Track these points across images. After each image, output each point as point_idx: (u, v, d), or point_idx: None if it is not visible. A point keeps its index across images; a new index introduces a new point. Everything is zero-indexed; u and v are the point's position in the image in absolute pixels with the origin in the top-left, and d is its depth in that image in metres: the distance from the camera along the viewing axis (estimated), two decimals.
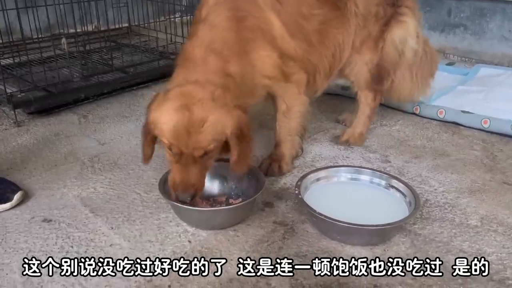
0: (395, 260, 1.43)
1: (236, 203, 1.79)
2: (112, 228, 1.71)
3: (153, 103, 1.63)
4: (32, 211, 1.82)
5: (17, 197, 1.82)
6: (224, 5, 1.78)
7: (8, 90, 2.64)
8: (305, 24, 1.95)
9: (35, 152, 2.31)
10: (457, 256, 1.54)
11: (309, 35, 1.98)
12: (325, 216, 1.56)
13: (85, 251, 1.59)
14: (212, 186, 1.87)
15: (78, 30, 3.58)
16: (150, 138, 1.66)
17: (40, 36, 3.06)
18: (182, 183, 1.58)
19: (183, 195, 1.58)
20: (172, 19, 3.87)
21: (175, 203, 1.65)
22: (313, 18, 1.97)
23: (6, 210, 1.80)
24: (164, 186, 1.73)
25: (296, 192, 1.72)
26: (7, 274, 1.48)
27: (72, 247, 1.61)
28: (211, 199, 1.86)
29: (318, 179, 1.85)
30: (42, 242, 1.64)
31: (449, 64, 3.57)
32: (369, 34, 2.15)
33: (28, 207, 1.85)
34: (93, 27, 3.97)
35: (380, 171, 1.90)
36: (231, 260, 1.54)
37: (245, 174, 1.76)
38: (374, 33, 2.15)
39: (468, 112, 2.57)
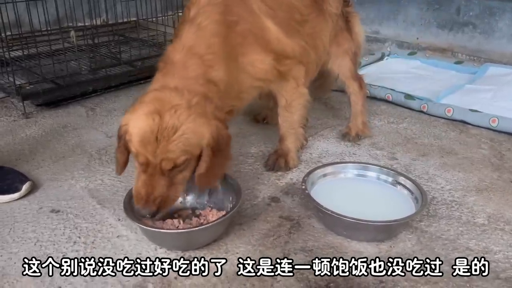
0: (400, 257, 1.44)
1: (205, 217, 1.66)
2: (119, 219, 1.72)
3: (132, 105, 1.51)
4: (40, 201, 1.83)
5: (25, 187, 1.83)
6: (215, 7, 1.67)
7: (17, 82, 2.66)
8: (299, 28, 1.95)
9: (43, 143, 2.33)
10: (463, 255, 1.54)
11: (304, 37, 1.98)
12: (332, 212, 1.56)
13: (93, 242, 1.60)
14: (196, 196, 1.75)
15: (87, 24, 3.59)
16: (123, 144, 1.51)
17: (48, 28, 3.07)
18: (144, 196, 1.43)
19: (143, 210, 1.44)
20: (180, 14, 3.87)
21: (140, 225, 1.51)
22: (305, 24, 1.97)
23: (14, 200, 1.82)
24: (130, 202, 1.57)
25: (303, 187, 1.72)
26: (15, 263, 1.50)
27: (79, 237, 1.62)
28: (176, 214, 1.69)
29: (325, 175, 1.85)
30: (50, 232, 1.65)
31: (457, 62, 3.55)
32: (341, 28, 2.27)
33: (36, 197, 1.86)
34: (102, 20, 3.98)
35: (387, 168, 1.89)
36: (237, 253, 1.55)
37: (208, 189, 1.68)
38: (343, 27, 2.28)
39: (476, 111, 2.55)
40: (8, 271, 1.46)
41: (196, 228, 1.55)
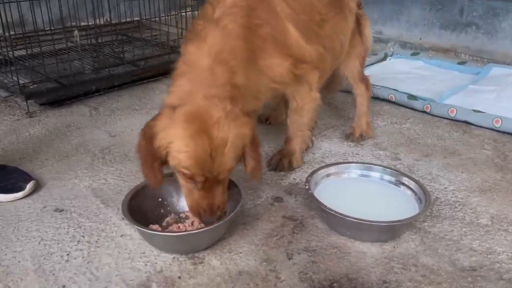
0: (404, 258, 1.44)
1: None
2: (123, 219, 1.72)
3: (159, 121, 1.46)
4: (44, 200, 1.84)
5: (29, 186, 1.84)
6: (241, 10, 1.65)
7: (21, 81, 2.66)
8: (319, 31, 1.94)
9: (47, 142, 2.34)
10: (467, 255, 1.54)
11: (323, 40, 1.97)
12: (335, 212, 1.56)
13: (96, 241, 1.60)
14: (178, 200, 1.73)
15: (90, 23, 3.59)
16: (158, 164, 1.49)
17: (52, 28, 3.08)
18: (208, 208, 1.50)
19: (211, 218, 1.50)
20: (183, 14, 3.87)
21: (138, 227, 1.50)
22: (324, 25, 1.97)
23: (18, 199, 1.82)
24: (128, 206, 1.56)
25: (306, 187, 1.72)
26: (19, 261, 1.50)
27: (83, 236, 1.62)
28: (180, 215, 1.71)
29: (328, 175, 1.85)
30: (54, 231, 1.65)
31: (460, 63, 3.55)
32: (354, 30, 2.26)
33: (40, 196, 1.87)
34: (105, 20, 3.99)
35: (390, 168, 1.89)
36: (241, 253, 1.55)
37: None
38: (356, 30, 2.28)
39: (479, 112, 2.55)
40: (12, 269, 1.46)
41: (195, 231, 1.52)
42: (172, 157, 1.45)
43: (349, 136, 2.39)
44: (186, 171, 1.44)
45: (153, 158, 1.47)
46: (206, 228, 1.51)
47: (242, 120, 1.50)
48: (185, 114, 1.43)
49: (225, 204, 1.56)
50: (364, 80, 2.41)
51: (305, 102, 1.99)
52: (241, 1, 1.67)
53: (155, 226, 1.60)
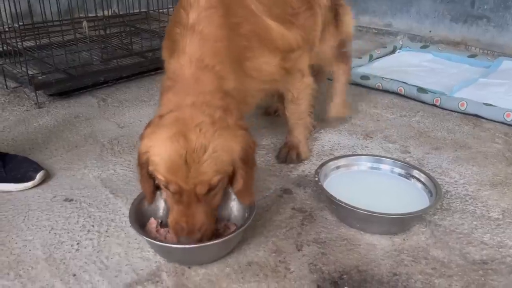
0: (414, 250, 1.43)
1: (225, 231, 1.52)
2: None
3: (146, 129, 1.40)
4: (54, 190, 1.84)
5: (39, 176, 1.85)
6: (216, 10, 1.53)
7: (30, 72, 2.67)
8: (294, 21, 1.89)
9: (56, 133, 2.34)
10: (478, 249, 1.53)
11: (300, 29, 1.92)
12: (345, 204, 1.55)
13: (106, 231, 1.60)
14: None
15: (99, 14, 3.59)
16: (146, 172, 1.40)
17: (60, 19, 3.07)
18: (186, 227, 1.34)
19: (189, 240, 1.35)
20: None
21: (151, 241, 1.41)
22: (298, 17, 1.91)
23: (28, 189, 1.83)
24: (136, 214, 1.49)
25: (316, 179, 1.71)
26: (30, 250, 1.51)
27: (93, 226, 1.63)
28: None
29: (338, 167, 1.84)
30: (64, 220, 1.66)
31: (471, 56, 3.50)
32: (329, 20, 2.23)
33: (50, 186, 1.87)
34: (112, 11, 3.98)
35: (401, 161, 1.88)
36: (250, 244, 1.55)
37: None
38: (332, 19, 2.25)
39: (490, 105, 2.52)
40: (23, 258, 1.47)
41: (203, 244, 1.38)
42: (151, 161, 1.35)
43: (324, 120, 2.39)
44: (160, 177, 1.33)
45: (141, 167, 1.41)
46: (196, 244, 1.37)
47: (234, 132, 1.37)
48: (169, 118, 1.35)
49: (208, 228, 1.38)
50: (343, 59, 2.38)
51: (300, 91, 1.97)
52: (215, 1, 1.54)
53: (154, 222, 1.53)
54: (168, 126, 1.33)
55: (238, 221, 1.56)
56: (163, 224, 1.55)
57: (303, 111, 2.04)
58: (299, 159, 2.07)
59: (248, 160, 1.42)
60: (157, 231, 1.52)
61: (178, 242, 1.38)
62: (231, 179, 1.44)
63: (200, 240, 1.36)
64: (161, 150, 1.31)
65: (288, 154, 2.07)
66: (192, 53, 1.47)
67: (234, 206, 1.60)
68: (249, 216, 1.47)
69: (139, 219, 1.50)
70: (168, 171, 1.30)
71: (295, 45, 1.82)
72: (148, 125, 1.41)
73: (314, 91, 2.04)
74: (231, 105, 1.45)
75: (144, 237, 1.41)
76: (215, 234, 1.47)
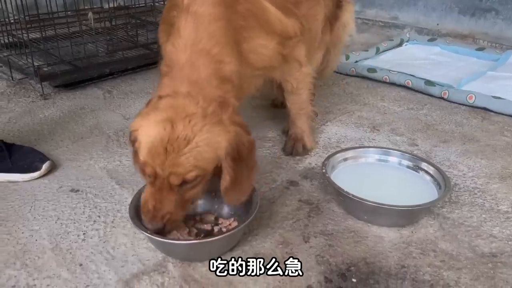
0: (422, 243, 1.42)
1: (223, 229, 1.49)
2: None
3: (144, 108, 1.38)
4: (60, 180, 1.84)
5: (45, 166, 1.84)
6: None
7: (35, 64, 2.66)
8: (295, 10, 1.82)
9: (62, 124, 2.34)
10: (487, 242, 1.51)
11: (300, 19, 1.84)
12: (353, 195, 1.54)
13: (112, 221, 1.60)
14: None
15: (104, 6, 3.57)
16: (136, 151, 1.38)
17: (66, 10, 3.06)
18: (151, 211, 1.31)
19: (150, 225, 1.32)
20: None
21: (145, 233, 1.35)
22: (300, 6, 1.84)
23: (35, 179, 1.83)
24: (135, 209, 1.44)
25: (323, 170, 1.70)
26: (36, 240, 1.51)
27: (99, 216, 1.63)
28: (197, 217, 1.56)
29: (345, 159, 1.82)
30: (70, 211, 1.66)
31: (479, 49, 3.47)
32: (328, 17, 2.13)
33: (56, 177, 1.87)
34: (117, 3, 3.97)
35: (409, 153, 1.86)
36: (256, 235, 1.54)
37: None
38: (330, 15, 2.16)
39: (499, 98, 2.50)
40: (29, 247, 1.47)
41: (204, 241, 1.39)
42: (138, 140, 1.33)
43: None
44: (140, 158, 1.30)
45: (133, 144, 1.38)
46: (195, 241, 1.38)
47: (226, 128, 1.31)
48: (164, 103, 1.32)
49: (173, 219, 1.34)
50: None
51: (300, 80, 1.90)
52: None
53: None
54: (161, 110, 1.30)
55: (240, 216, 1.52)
56: None
57: (304, 100, 1.99)
58: (305, 151, 2.04)
59: (238, 158, 1.34)
60: None
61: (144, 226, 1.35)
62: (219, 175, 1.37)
63: (162, 229, 1.32)
64: (147, 132, 1.29)
65: (293, 147, 2.04)
66: (187, 36, 1.41)
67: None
68: (252, 211, 1.43)
69: (139, 216, 1.41)
70: (148, 154, 1.27)
71: (292, 32, 1.74)
72: (147, 104, 1.39)
73: (314, 80, 1.99)
74: (229, 94, 1.39)
75: (143, 232, 1.35)
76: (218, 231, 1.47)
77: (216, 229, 1.52)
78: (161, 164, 1.25)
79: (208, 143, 1.27)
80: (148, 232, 1.34)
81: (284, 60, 1.73)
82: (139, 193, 1.48)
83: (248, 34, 1.53)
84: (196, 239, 1.44)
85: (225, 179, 1.34)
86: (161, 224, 1.31)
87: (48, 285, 1.32)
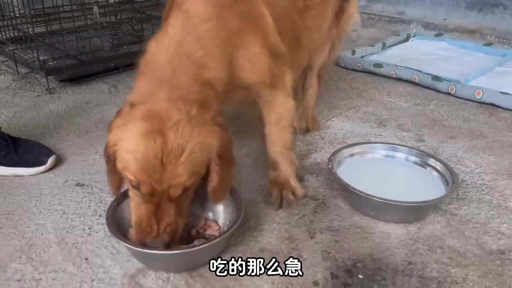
0: (429, 239, 1.41)
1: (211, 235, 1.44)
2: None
3: (116, 119, 1.26)
4: (66, 175, 1.84)
5: (51, 160, 1.84)
6: None
7: (41, 58, 2.66)
8: (298, 20, 1.70)
9: (67, 118, 2.34)
10: (495, 238, 1.50)
11: (299, 32, 1.73)
12: (360, 191, 1.53)
13: None
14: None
15: (109, 1, 3.57)
16: (113, 165, 1.27)
17: (71, 5, 3.06)
18: (154, 228, 1.23)
19: (155, 244, 1.24)
20: None
21: (131, 247, 1.28)
22: (307, 13, 1.73)
23: (40, 173, 1.83)
24: (113, 218, 1.38)
25: (329, 166, 1.69)
26: (42, 234, 1.51)
27: (104, 211, 1.62)
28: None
29: (352, 155, 1.81)
30: (76, 205, 1.66)
31: (487, 44, 3.43)
32: (335, 11, 2.04)
33: (61, 171, 1.87)
34: None
35: (416, 149, 1.84)
36: (262, 230, 1.53)
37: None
38: (338, 9, 2.05)
39: (507, 94, 2.47)
40: (35, 241, 1.47)
41: (190, 250, 1.30)
42: (119, 157, 1.23)
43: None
44: (131, 177, 1.20)
45: (108, 159, 1.29)
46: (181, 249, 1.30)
47: (211, 128, 1.25)
48: (142, 111, 1.21)
49: (176, 229, 1.27)
50: (320, 73, 2.23)
51: (284, 111, 1.65)
52: None
53: None
54: (142, 120, 1.19)
55: (223, 219, 1.48)
56: None
57: (287, 139, 1.71)
58: (296, 199, 1.68)
59: (225, 156, 1.30)
60: None
61: (142, 245, 1.26)
62: (205, 176, 1.31)
63: (168, 244, 1.25)
64: (132, 147, 1.18)
65: (282, 196, 1.67)
66: (173, 35, 1.31)
67: (219, 205, 1.50)
68: (238, 216, 1.38)
69: (119, 228, 1.37)
70: (141, 171, 1.18)
71: (283, 51, 1.58)
72: (118, 114, 1.27)
73: (293, 120, 1.82)
74: (209, 99, 1.29)
75: (124, 243, 1.29)
76: (196, 234, 1.44)
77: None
78: (160, 179, 1.18)
79: (201, 147, 1.22)
80: (127, 242, 1.29)
81: (273, 79, 1.54)
82: (117, 202, 1.44)
83: (244, 38, 1.41)
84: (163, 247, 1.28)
85: (213, 179, 1.30)
86: (167, 238, 1.25)
87: (53, 279, 1.32)
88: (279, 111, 1.64)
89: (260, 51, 1.45)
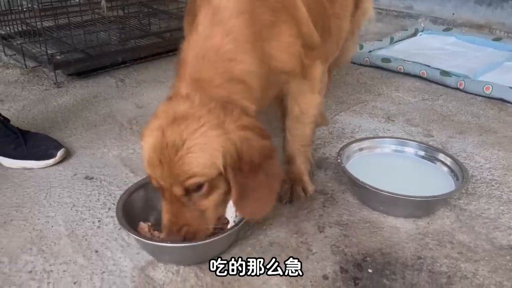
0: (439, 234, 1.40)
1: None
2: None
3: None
4: (74, 168, 1.85)
5: (60, 153, 1.85)
6: None
7: (49, 52, 2.66)
8: (329, 6, 1.66)
9: (75, 112, 2.34)
10: (505, 234, 1.49)
11: (328, 20, 1.68)
12: (369, 186, 1.52)
13: None
14: None
15: None
16: None
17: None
18: (167, 225, 1.24)
19: (169, 239, 1.25)
20: None
21: (135, 236, 1.30)
22: (335, 2, 1.71)
23: (49, 166, 1.84)
24: (123, 209, 1.39)
25: (338, 160, 1.68)
26: (52, 226, 1.52)
27: (114, 204, 1.63)
28: None
29: (361, 149, 1.80)
30: (85, 198, 1.66)
31: (496, 39, 3.40)
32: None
33: (70, 164, 1.88)
34: None
35: (426, 144, 1.83)
36: (271, 224, 1.53)
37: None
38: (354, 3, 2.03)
39: None
40: (45, 234, 1.48)
41: (199, 243, 1.28)
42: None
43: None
44: (146, 172, 1.24)
45: None
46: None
47: (223, 132, 1.17)
48: (161, 107, 1.24)
49: (195, 232, 1.24)
50: (330, 68, 2.18)
51: (309, 107, 1.61)
52: None
53: (145, 225, 1.39)
54: (156, 116, 1.22)
55: (232, 213, 1.44)
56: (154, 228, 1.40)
57: (307, 135, 1.67)
58: (306, 195, 1.67)
59: (252, 166, 1.21)
60: (151, 234, 1.37)
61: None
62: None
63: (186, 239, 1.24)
64: (145, 141, 1.22)
65: (292, 191, 1.65)
66: (201, 31, 1.28)
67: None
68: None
69: (129, 222, 1.37)
70: (148, 166, 1.21)
71: (317, 42, 1.55)
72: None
73: (319, 117, 1.76)
74: (237, 96, 1.25)
75: (135, 236, 1.30)
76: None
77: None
78: (161, 176, 1.18)
79: (201, 148, 1.16)
80: (135, 233, 1.30)
81: (303, 70, 1.50)
82: (127, 195, 1.46)
83: (276, 30, 1.36)
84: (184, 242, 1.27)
85: (232, 192, 1.22)
86: (179, 238, 1.24)
87: (64, 271, 1.33)
88: (303, 106, 1.60)
89: (293, 41, 1.40)
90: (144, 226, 1.38)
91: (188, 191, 1.20)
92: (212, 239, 1.30)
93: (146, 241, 1.30)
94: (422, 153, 1.78)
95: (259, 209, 1.29)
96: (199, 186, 1.20)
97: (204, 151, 1.16)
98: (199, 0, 1.36)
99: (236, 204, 1.26)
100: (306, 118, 1.62)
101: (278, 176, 1.28)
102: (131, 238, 1.42)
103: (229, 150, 1.17)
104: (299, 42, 1.43)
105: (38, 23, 2.70)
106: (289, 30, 1.39)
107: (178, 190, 1.19)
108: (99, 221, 1.54)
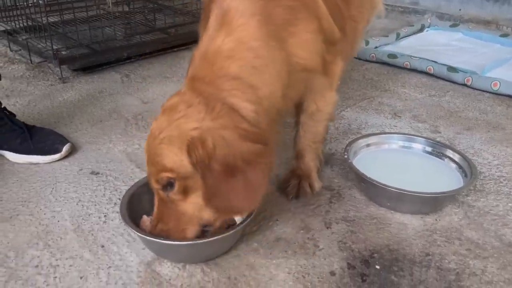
0: (447, 231, 1.39)
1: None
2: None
3: None
4: (80, 163, 1.85)
5: (66, 148, 1.85)
6: None
7: (54, 47, 2.66)
8: (343, 8, 1.62)
9: (81, 107, 2.34)
10: None
11: (343, 22, 1.63)
12: (377, 182, 1.51)
13: None
14: None
15: None
16: None
17: None
18: (153, 219, 1.27)
19: (154, 233, 1.26)
20: None
21: (138, 233, 1.29)
22: (351, 4, 1.67)
23: (55, 161, 1.84)
24: (127, 206, 1.38)
25: (345, 156, 1.67)
26: (58, 221, 1.52)
27: (119, 199, 1.62)
28: None
29: (368, 145, 1.79)
30: (91, 193, 1.66)
31: (503, 35, 3.37)
32: None
33: (76, 159, 1.87)
34: None
35: (433, 140, 1.82)
36: (277, 220, 1.52)
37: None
38: None
39: None
40: (52, 228, 1.48)
41: (200, 241, 1.26)
42: None
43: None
44: None
45: None
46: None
47: (192, 127, 1.13)
48: (167, 101, 1.24)
49: (172, 231, 1.23)
50: None
51: (325, 104, 1.58)
52: None
53: (147, 219, 1.37)
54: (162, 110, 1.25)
55: None
56: None
57: (319, 132, 1.65)
58: (313, 192, 1.66)
59: (216, 166, 1.13)
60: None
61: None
62: None
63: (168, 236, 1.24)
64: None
65: (299, 186, 1.64)
66: (210, 32, 1.26)
67: None
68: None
69: (132, 218, 1.35)
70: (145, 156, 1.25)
71: (338, 37, 1.50)
72: None
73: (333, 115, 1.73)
74: (226, 93, 1.20)
75: (137, 233, 1.29)
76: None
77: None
78: (147, 167, 1.22)
79: (170, 140, 1.14)
80: (138, 231, 1.29)
81: (324, 67, 1.46)
82: (131, 190, 1.45)
83: (296, 28, 1.32)
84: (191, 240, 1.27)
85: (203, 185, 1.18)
86: (160, 232, 1.25)
87: (71, 266, 1.33)
88: (320, 103, 1.57)
89: (314, 37, 1.36)
90: (146, 219, 1.38)
91: (163, 187, 1.19)
92: (217, 237, 1.28)
93: (149, 238, 1.27)
94: (430, 149, 1.77)
95: (230, 213, 1.26)
96: (170, 183, 1.18)
97: (172, 144, 1.14)
98: (212, 4, 1.33)
99: (205, 204, 1.20)
100: (321, 116, 1.61)
101: (260, 186, 1.18)
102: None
103: (197, 146, 1.12)
104: (321, 37, 1.39)
105: (43, 18, 2.70)
106: (309, 26, 1.35)
107: (154, 183, 1.20)
108: (105, 216, 1.54)
